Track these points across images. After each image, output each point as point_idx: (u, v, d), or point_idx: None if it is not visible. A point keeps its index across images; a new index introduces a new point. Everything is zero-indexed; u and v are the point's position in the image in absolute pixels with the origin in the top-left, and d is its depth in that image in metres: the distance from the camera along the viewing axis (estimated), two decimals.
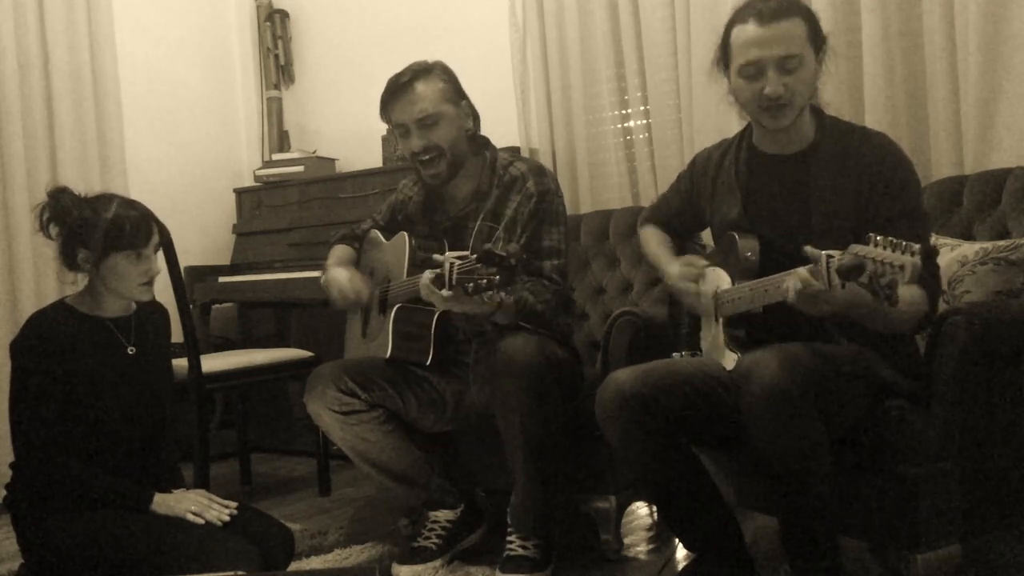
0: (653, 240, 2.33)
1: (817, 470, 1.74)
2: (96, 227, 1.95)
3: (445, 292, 1.96)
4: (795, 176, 1.98)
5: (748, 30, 1.90)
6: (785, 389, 1.68)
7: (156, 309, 2.19)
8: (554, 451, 2.19)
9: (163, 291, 2.11)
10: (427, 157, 2.33)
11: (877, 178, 1.89)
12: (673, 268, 2.14)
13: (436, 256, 2.04)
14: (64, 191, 2.01)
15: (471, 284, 1.90)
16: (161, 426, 2.14)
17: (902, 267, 1.45)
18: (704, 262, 2.09)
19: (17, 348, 1.98)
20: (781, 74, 1.88)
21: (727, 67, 1.97)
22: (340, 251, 2.61)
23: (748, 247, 1.97)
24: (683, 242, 2.32)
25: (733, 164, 2.09)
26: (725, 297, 1.98)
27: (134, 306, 2.11)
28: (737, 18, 1.94)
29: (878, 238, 1.51)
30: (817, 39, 1.92)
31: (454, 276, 1.93)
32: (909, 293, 1.68)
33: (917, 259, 1.45)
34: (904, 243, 1.47)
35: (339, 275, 2.45)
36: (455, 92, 2.36)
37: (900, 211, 1.86)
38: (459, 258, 1.95)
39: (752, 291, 1.87)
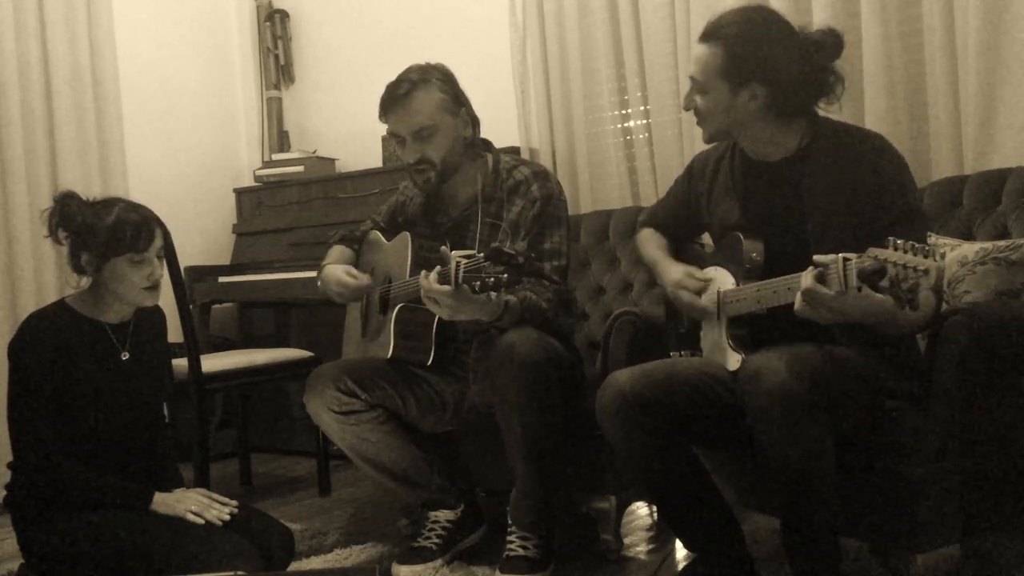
0: (651, 243, 2.32)
1: (821, 472, 1.74)
2: (98, 231, 1.95)
3: (445, 287, 1.96)
4: (788, 181, 1.98)
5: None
6: (793, 391, 1.68)
7: (153, 311, 2.18)
8: (554, 449, 2.19)
9: (163, 291, 2.10)
10: (420, 168, 2.34)
11: (873, 180, 1.88)
12: (672, 275, 2.13)
13: (443, 249, 2.04)
14: (71, 196, 2.01)
15: (478, 282, 1.89)
16: (156, 428, 2.14)
17: (926, 271, 1.44)
18: (704, 274, 2.08)
19: (14, 348, 1.98)
20: (693, 92, 1.97)
21: None
22: (337, 252, 2.61)
23: (753, 248, 1.97)
24: (681, 244, 2.32)
25: (728, 169, 2.10)
26: (730, 297, 1.98)
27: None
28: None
29: (898, 242, 1.49)
30: (738, 73, 1.89)
31: (460, 275, 1.92)
32: (924, 296, 1.67)
33: (942, 263, 1.45)
34: (927, 247, 1.46)
35: (335, 270, 2.46)
36: (453, 101, 2.34)
37: (899, 213, 1.86)
38: (465, 257, 1.94)
39: (759, 291, 1.87)
